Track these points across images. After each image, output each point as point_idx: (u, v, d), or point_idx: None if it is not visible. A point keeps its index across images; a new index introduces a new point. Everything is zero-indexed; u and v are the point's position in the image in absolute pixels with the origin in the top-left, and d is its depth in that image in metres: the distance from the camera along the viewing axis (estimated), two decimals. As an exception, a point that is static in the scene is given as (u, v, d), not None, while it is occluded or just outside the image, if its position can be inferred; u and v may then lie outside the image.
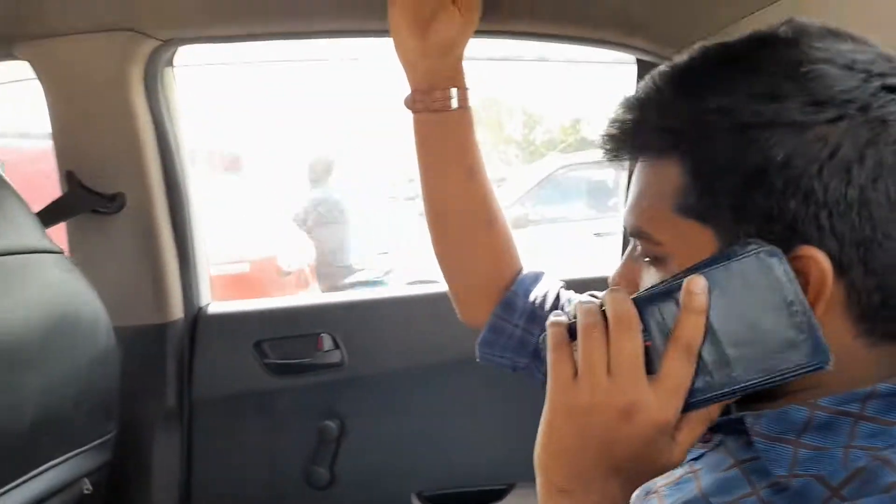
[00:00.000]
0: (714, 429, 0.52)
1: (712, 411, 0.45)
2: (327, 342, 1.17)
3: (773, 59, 0.44)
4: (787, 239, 0.42)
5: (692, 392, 0.43)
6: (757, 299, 0.41)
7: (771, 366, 0.41)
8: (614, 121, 0.49)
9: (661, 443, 0.44)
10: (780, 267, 0.41)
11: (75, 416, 0.87)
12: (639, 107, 0.47)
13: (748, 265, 0.41)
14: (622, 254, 0.55)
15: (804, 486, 0.41)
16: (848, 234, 0.42)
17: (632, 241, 0.53)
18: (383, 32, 0.75)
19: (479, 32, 0.75)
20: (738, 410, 0.49)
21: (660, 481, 0.52)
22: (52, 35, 0.97)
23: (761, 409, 0.47)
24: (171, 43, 1.01)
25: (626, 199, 0.53)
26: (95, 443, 0.93)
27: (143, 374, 1.12)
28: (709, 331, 0.42)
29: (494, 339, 0.78)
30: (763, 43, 0.45)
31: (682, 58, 0.48)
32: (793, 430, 0.45)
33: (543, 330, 0.76)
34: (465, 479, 1.19)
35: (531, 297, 0.77)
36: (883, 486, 0.38)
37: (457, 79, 0.74)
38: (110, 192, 1.04)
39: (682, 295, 0.42)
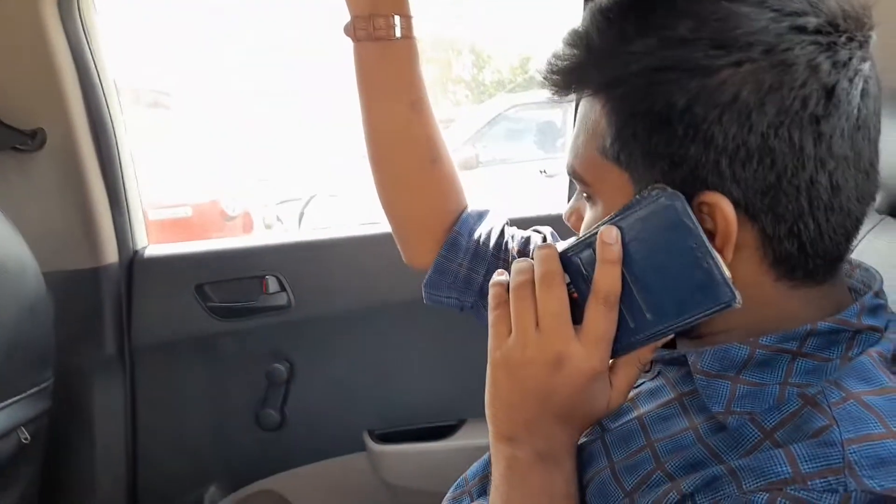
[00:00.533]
0: (654, 360, 0.53)
1: (643, 354, 0.46)
2: (273, 284, 1.14)
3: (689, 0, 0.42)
4: (690, 184, 0.42)
5: (617, 338, 0.44)
6: (664, 245, 0.42)
7: (683, 309, 0.41)
8: (558, 55, 0.47)
9: (597, 389, 0.45)
10: (680, 211, 0.41)
11: (5, 364, 0.83)
12: (579, 42, 0.46)
13: (653, 211, 0.42)
14: (568, 193, 0.57)
15: (739, 428, 0.42)
16: (751, 182, 0.41)
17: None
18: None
19: None
20: (680, 346, 0.50)
21: None
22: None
23: (703, 345, 0.48)
24: (86, -36, 0.93)
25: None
26: (31, 392, 0.90)
27: (79, 320, 1.08)
28: (626, 279, 0.43)
29: (440, 279, 0.77)
30: None
31: None
32: (733, 367, 0.46)
33: (488, 269, 0.76)
34: (416, 417, 1.20)
35: (475, 236, 0.76)
36: (811, 430, 0.39)
37: (400, 5, 0.70)
38: (29, 129, 0.96)
39: (597, 246, 0.43)
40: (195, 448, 1.18)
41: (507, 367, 0.46)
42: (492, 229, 0.77)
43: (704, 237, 0.41)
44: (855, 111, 0.41)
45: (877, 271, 0.50)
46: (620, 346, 0.44)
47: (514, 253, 0.76)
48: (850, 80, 0.41)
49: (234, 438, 1.18)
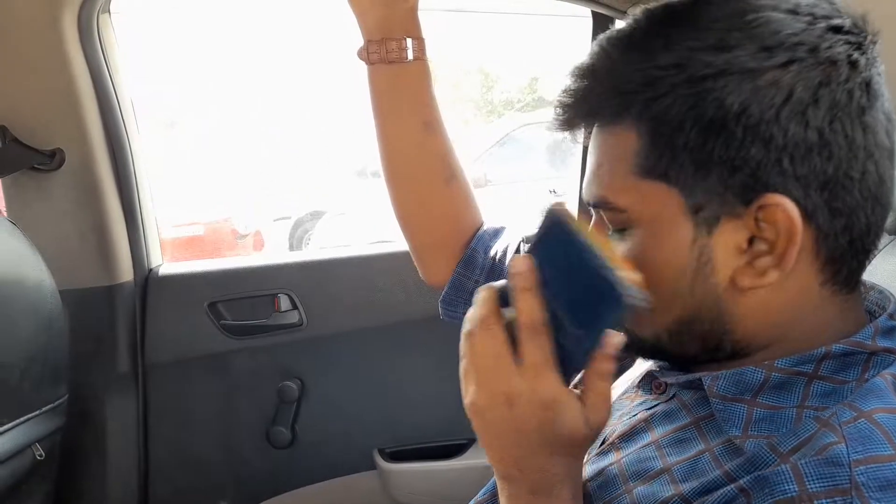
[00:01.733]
0: (669, 383, 0.53)
1: (601, 366, 0.45)
2: (285, 302, 1.15)
3: (718, 11, 0.44)
4: (751, 188, 0.43)
5: (565, 359, 0.44)
6: (564, 259, 0.43)
7: (599, 317, 0.42)
8: (566, 90, 0.48)
9: (563, 414, 0.44)
10: (563, 222, 0.42)
11: (22, 381, 0.84)
12: (589, 73, 0.47)
13: (547, 230, 0.43)
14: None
15: (755, 454, 0.42)
16: (811, 177, 0.42)
17: (594, 214, 0.52)
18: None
19: None
20: (695, 370, 0.51)
21: (612, 433, 0.54)
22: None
23: (720, 368, 0.48)
24: (105, -13, 0.96)
25: (582, 174, 0.52)
26: (46, 408, 0.91)
27: (94, 338, 1.09)
28: (550, 302, 0.44)
29: (456, 296, 0.78)
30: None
31: (627, 21, 0.48)
32: (749, 391, 0.46)
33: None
34: (427, 435, 1.20)
35: (491, 253, 0.77)
36: (818, 447, 0.39)
37: (411, 28, 0.71)
38: (48, 149, 0.98)
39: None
40: (207, 465, 1.18)
41: (474, 415, 0.47)
42: (507, 246, 0.77)
43: (589, 242, 0.42)
44: (886, 104, 0.44)
45: (891, 293, 0.50)
46: (570, 367, 0.44)
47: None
48: (879, 75, 0.43)
49: (245, 456, 1.19)
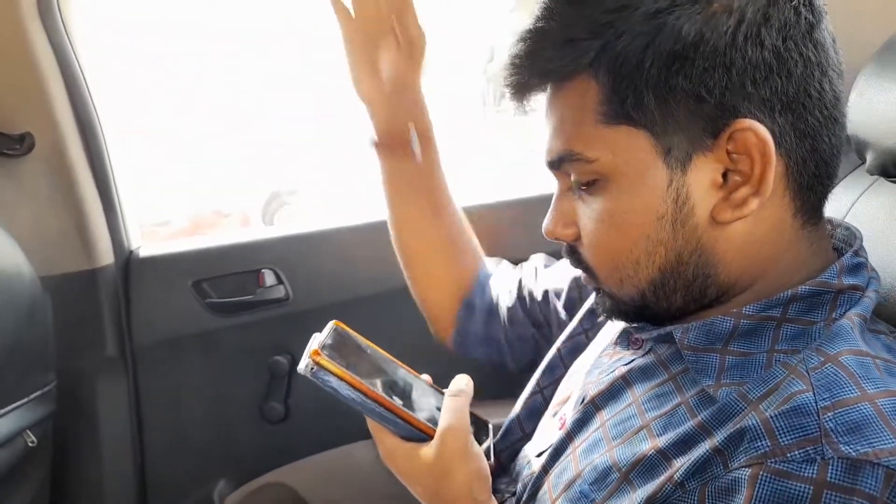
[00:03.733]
0: (644, 338, 0.54)
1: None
2: (269, 278, 1.14)
3: None
4: (718, 117, 0.43)
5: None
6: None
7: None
8: (516, 55, 0.48)
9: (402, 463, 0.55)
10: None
11: (6, 369, 0.84)
12: (537, 33, 0.47)
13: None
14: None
15: (726, 403, 0.43)
16: (774, 99, 0.42)
17: (556, 180, 0.52)
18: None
19: None
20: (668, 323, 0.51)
21: (592, 390, 0.54)
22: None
23: (690, 320, 0.49)
24: (63, -37, 0.92)
25: (543, 140, 0.52)
26: (34, 395, 0.91)
27: (79, 322, 1.08)
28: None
29: (462, 339, 0.83)
30: None
31: None
32: (719, 340, 0.46)
33: (503, 324, 0.79)
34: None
35: (488, 296, 0.82)
36: (785, 395, 0.40)
37: (417, 113, 0.74)
38: (16, 133, 0.96)
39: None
40: (202, 444, 1.18)
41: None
42: (509, 288, 0.82)
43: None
44: (829, 24, 0.44)
45: (857, 230, 0.51)
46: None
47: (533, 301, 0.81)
48: None
49: (239, 433, 1.19)
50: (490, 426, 0.63)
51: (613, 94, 0.44)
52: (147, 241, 1.17)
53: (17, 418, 0.87)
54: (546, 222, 0.53)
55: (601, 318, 0.57)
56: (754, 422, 0.40)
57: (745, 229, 0.46)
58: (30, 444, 0.90)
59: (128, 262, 1.11)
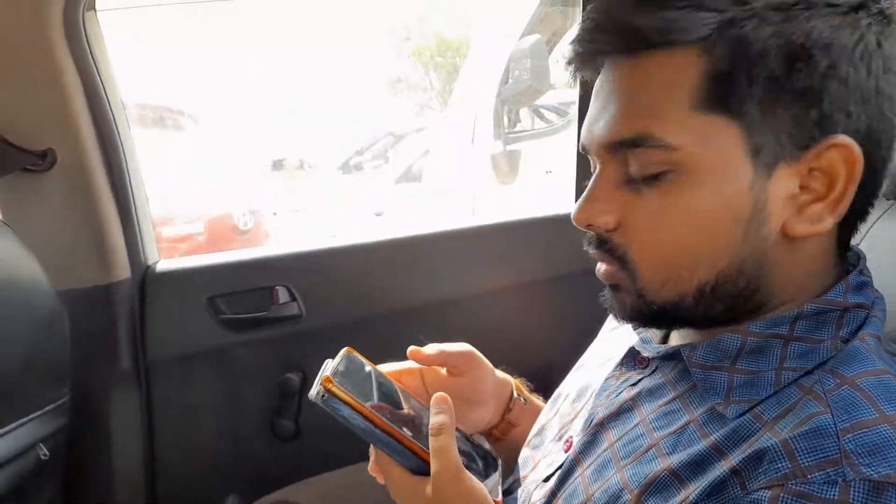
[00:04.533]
0: (650, 357, 0.53)
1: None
2: (283, 294, 1.15)
3: None
4: (818, 126, 0.42)
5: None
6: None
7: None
8: (603, 9, 0.43)
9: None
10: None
11: (23, 381, 0.85)
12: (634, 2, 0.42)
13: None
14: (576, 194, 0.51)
15: (740, 424, 0.42)
16: (863, 126, 0.42)
17: (603, 164, 0.47)
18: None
19: None
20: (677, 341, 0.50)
21: (601, 412, 0.54)
22: (-44, -21, 0.89)
23: (697, 338, 0.48)
24: (89, -17, 0.95)
25: (588, 115, 0.47)
26: (48, 408, 0.91)
27: (95, 336, 1.09)
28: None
29: None
30: None
31: None
32: (727, 358, 0.46)
33: None
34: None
35: None
36: (802, 416, 0.39)
37: (502, 399, 0.71)
38: (40, 149, 0.98)
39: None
40: (213, 459, 1.18)
41: None
42: None
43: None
44: None
45: (860, 250, 0.51)
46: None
47: None
48: None
49: (250, 449, 1.19)
50: (500, 461, 0.62)
51: (720, 79, 0.41)
52: (164, 256, 1.19)
53: (31, 431, 0.88)
54: (580, 206, 0.47)
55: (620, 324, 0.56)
56: (773, 443, 0.39)
57: (806, 250, 0.45)
58: (42, 457, 0.90)
59: (144, 276, 1.13)
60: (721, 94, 0.41)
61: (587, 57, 0.45)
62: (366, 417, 0.52)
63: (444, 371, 0.68)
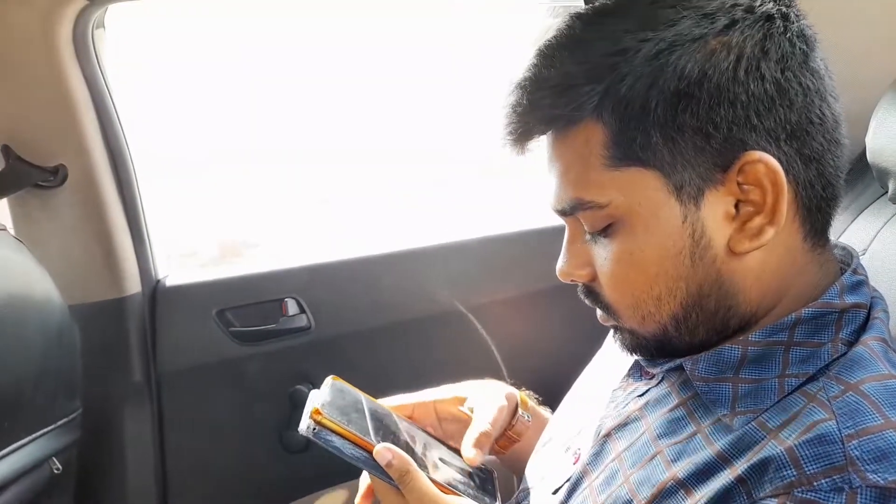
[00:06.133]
0: (652, 366, 0.53)
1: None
2: (292, 307, 1.16)
3: None
4: (727, 151, 0.43)
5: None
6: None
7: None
8: (514, 104, 0.48)
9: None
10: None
11: (35, 396, 0.85)
12: (535, 82, 0.47)
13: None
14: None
15: (745, 433, 0.43)
16: (779, 129, 0.43)
17: (567, 224, 0.52)
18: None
19: None
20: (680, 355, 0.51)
21: (608, 423, 0.54)
22: (-31, -1, 0.91)
23: (699, 353, 0.49)
24: (98, 2, 0.96)
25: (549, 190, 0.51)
26: (61, 422, 0.92)
27: (106, 350, 1.09)
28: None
29: None
30: None
31: (555, 31, 0.48)
32: (730, 369, 0.46)
33: None
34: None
35: None
36: (807, 423, 0.39)
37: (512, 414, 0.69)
38: (51, 165, 0.99)
39: None
40: (223, 471, 1.18)
41: None
42: None
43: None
44: (820, 52, 0.46)
45: (854, 249, 0.51)
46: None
47: None
48: (808, 27, 0.45)
49: (261, 461, 1.19)
50: (495, 476, 0.62)
51: (620, 137, 0.45)
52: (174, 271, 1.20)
53: (44, 445, 0.88)
54: (560, 265, 0.53)
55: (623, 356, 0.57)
56: (778, 451, 0.39)
57: (761, 257, 0.46)
58: (55, 471, 0.91)
59: (154, 291, 1.14)
60: (626, 150, 0.45)
61: (514, 141, 0.50)
62: (359, 446, 0.52)
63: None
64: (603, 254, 0.49)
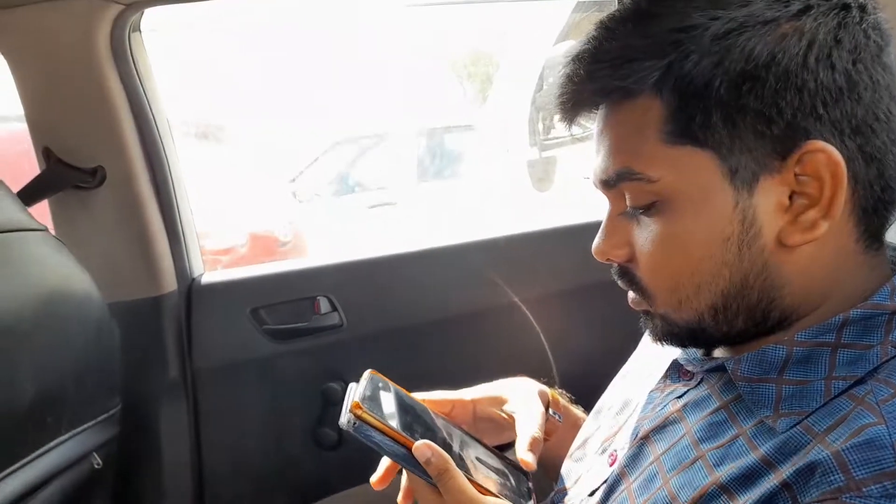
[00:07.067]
0: (691, 365, 0.52)
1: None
2: (324, 305, 1.17)
3: None
4: (789, 138, 0.42)
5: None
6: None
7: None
8: (571, 74, 0.47)
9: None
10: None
11: (77, 392, 0.87)
12: (594, 54, 0.46)
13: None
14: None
15: (790, 437, 0.42)
16: (844, 122, 0.42)
17: (609, 199, 0.51)
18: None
19: None
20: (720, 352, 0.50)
21: (646, 425, 0.53)
22: (10, 6, 0.93)
23: (742, 350, 0.47)
24: (135, 6, 0.98)
25: (592, 161, 0.51)
26: (101, 418, 0.94)
27: (143, 347, 1.12)
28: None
29: None
30: None
31: (618, 6, 0.47)
32: (774, 369, 0.45)
33: None
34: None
35: None
36: (855, 427, 0.38)
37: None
38: (90, 167, 1.01)
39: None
40: (258, 467, 1.20)
41: None
42: None
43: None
44: (894, 47, 0.44)
45: None
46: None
47: None
48: (885, 20, 0.44)
49: (294, 457, 1.20)
50: (530, 477, 0.61)
51: (679, 114, 0.44)
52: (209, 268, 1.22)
53: (86, 440, 0.90)
54: (597, 243, 0.51)
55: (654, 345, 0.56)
56: (825, 455, 0.38)
57: (811, 253, 0.45)
58: (96, 466, 0.93)
59: (190, 288, 1.15)
60: (683, 128, 0.44)
61: (566, 112, 0.49)
62: (399, 442, 0.51)
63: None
64: (644, 234, 0.48)
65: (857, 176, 0.43)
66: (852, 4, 0.42)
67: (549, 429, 0.66)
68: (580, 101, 0.48)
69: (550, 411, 0.67)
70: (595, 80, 0.46)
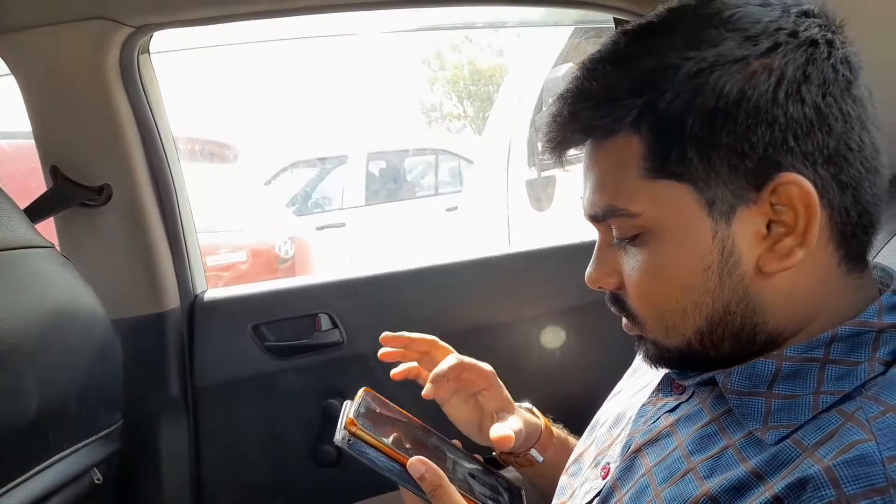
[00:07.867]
0: (683, 379, 0.53)
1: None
2: (325, 322, 1.18)
3: (692, 16, 0.46)
4: (762, 171, 0.44)
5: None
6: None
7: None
8: (556, 114, 0.50)
9: None
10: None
11: (79, 408, 0.88)
12: (577, 93, 0.48)
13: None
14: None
15: (779, 450, 0.42)
16: (816, 153, 0.43)
17: (598, 231, 0.54)
18: (374, 4, 0.74)
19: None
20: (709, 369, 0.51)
21: (638, 438, 0.54)
22: (22, 28, 0.95)
23: (731, 365, 0.48)
24: (145, 29, 1.00)
25: (583, 196, 0.53)
26: (102, 434, 0.94)
27: (145, 363, 1.12)
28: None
29: None
30: (676, 10, 0.47)
31: (600, 46, 0.49)
32: (763, 383, 0.46)
33: None
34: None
35: None
36: (845, 443, 0.39)
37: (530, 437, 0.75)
38: (96, 185, 1.03)
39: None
40: (257, 483, 1.20)
41: None
42: None
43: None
44: (865, 79, 0.46)
45: (894, 270, 0.50)
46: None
47: None
48: (854, 54, 0.46)
49: (294, 474, 1.21)
50: (523, 492, 0.62)
51: (657, 150, 0.46)
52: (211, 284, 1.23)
53: (86, 455, 0.91)
54: (589, 271, 0.54)
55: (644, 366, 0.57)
56: (816, 470, 0.39)
57: (791, 279, 0.46)
58: (96, 481, 0.93)
59: (193, 305, 1.16)
60: (661, 164, 0.46)
61: (553, 150, 0.52)
62: (393, 459, 0.52)
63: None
64: (632, 263, 0.50)
65: (833, 203, 0.44)
66: (820, 41, 0.44)
67: (525, 461, 0.72)
68: (565, 140, 0.50)
69: (532, 451, 0.73)
70: (578, 119, 0.48)
